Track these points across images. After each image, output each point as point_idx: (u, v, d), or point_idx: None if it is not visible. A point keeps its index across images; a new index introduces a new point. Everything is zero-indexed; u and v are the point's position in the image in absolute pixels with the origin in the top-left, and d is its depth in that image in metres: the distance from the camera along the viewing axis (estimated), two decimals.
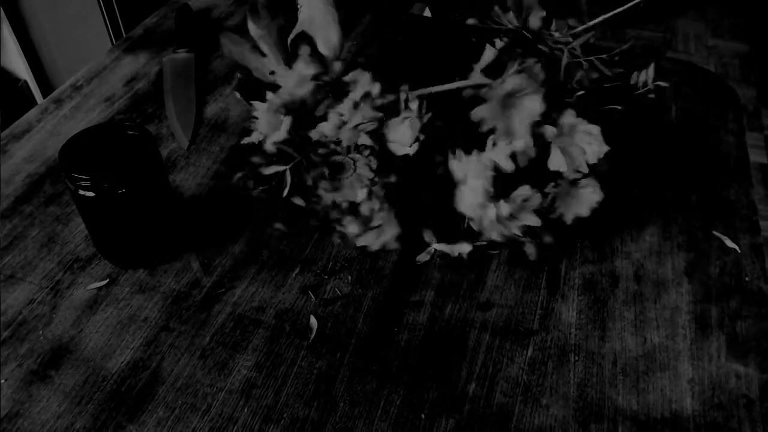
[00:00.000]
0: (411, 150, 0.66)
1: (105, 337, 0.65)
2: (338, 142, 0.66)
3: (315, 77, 0.67)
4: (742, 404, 0.61)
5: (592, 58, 0.69)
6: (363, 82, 0.66)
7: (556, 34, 0.71)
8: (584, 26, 0.70)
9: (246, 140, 0.67)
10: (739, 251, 0.74)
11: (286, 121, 0.65)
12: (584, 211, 0.65)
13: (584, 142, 0.64)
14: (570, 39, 0.70)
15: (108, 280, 0.70)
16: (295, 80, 0.66)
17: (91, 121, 0.90)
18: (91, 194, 0.63)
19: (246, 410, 0.59)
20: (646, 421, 0.59)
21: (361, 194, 0.67)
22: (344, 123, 0.65)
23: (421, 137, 0.66)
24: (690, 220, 0.78)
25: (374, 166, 0.66)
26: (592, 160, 0.68)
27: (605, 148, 0.67)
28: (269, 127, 0.66)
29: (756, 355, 0.64)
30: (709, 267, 0.73)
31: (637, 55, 0.75)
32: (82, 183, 0.62)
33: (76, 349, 0.64)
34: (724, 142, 0.89)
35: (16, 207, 0.78)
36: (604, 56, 0.70)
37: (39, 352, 0.64)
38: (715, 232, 0.76)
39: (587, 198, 0.65)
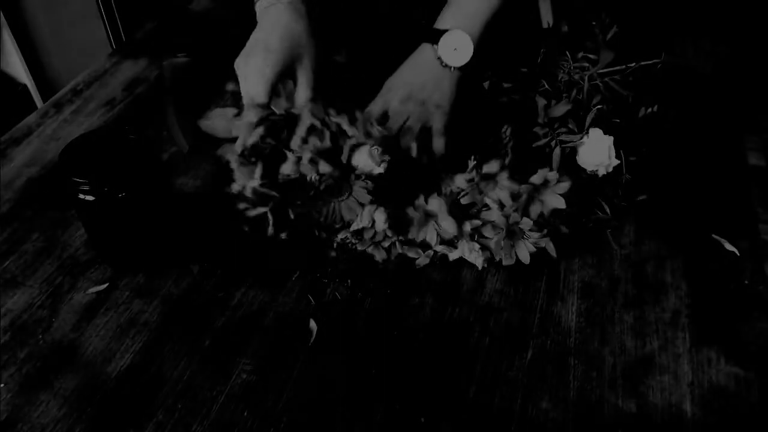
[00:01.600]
0: (381, 170, 0.69)
1: (105, 341, 0.65)
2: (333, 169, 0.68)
3: (260, 122, 0.69)
4: (742, 408, 0.61)
5: (607, 79, 0.75)
6: (305, 117, 0.69)
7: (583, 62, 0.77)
8: (605, 64, 0.75)
9: (230, 190, 0.69)
10: (738, 254, 0.74)
11: (258, 169, 0.68)
12: (560, 204, 0.66)
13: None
14: (586, 64, 0.75)
15: (108, 284, 0.70)
16: (245, 130, 0.68)
17: (91, 125, 0.91)
18: (91, 198, 0.63)
19: (246, 414, 0.59)
20: (646, 424, 0.59)
21: (363, 217, 0.68)
22: (299, 158, 0.68)
23: (386, 158, 0.69)
24: (689, 223, 0.78)
25: (371, 189, 0.67)
26: (603, 173, 0.70)
27: (615, 162, 0.70)
28: (243, 176, 0.69)
29: (756, 358, 0.64)
30: (708, 270, 0.73)
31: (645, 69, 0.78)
32: (82, 187, 0.62)
33: (76, 354, 0.64)
34: (722, 145, 0.89)
35: (16, 211, 0.78)
36: (617, 77, 0.75)
37: (38, 357, 0.64)
38: (714, 236, 0.76)
39: (559, 190, 0.66)
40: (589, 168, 0.72)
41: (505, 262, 0.69)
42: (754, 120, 0.94)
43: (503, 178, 0.67)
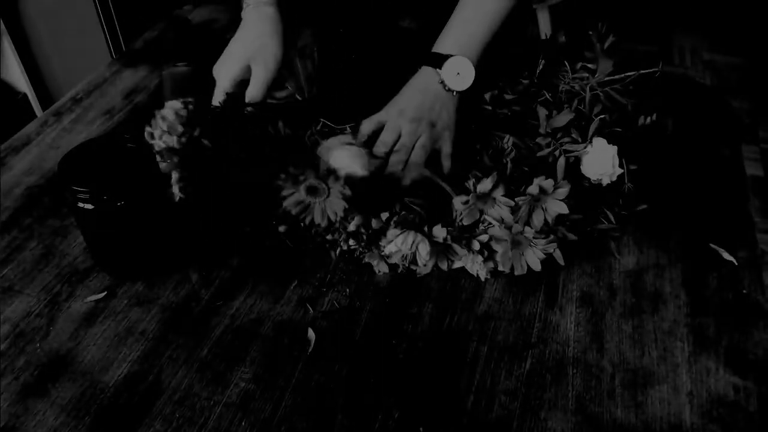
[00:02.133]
0: (365, 173, 0.70)
1: (102, 349, 0.65)
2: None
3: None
4: (741, 417, 0.61)
5: (607, 89, 0.76)
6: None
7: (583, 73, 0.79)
8: (605, 74, 0.76)
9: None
10: (736, 264, 0.74)
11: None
12: (563, 209, 0.66)
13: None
14: (586, 74, 0.76)
15: (106, 292, 0.70)
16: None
17: (90, 133, 0.91)
18: (90, 206, 0.63)
19: (244, 423, 0.59)
20: None
21: (406, 243, 0.68)
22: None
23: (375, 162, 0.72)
24: (687, 233, 0.78)
25: (348, 195, 0.67)
26: (607, 182, 0.70)
27: (619, 171, 0.71)
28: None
29: (754, 368, 0.64)
30: (706, 280, 0.73)
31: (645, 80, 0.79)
32: (82, 195, 0.62)
33: (74, 362, 0.64)
34: (720, 155, 0.89)
35: (15, 219, 0.78)
36: (618, 86, 0.76)
37: (36, 365, 0.63)
38: (712, 245, 0.76)
39: (559, 195, 0.66)
40: (593, 177, 0.72)
41: (517, 272, 0.69)
42: (752, 130, 0.94)
43: (499, 195, 0.67)
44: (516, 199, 0.66)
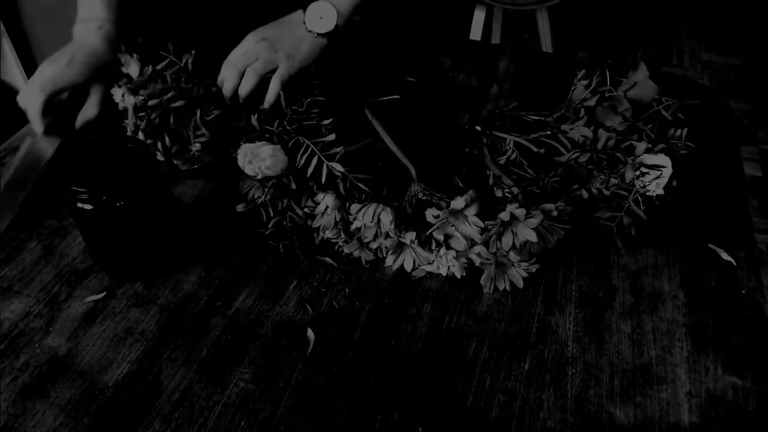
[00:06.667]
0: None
1: (101, 350, 0.65)
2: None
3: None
4: (740, 417, 0.61)
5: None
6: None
7: None
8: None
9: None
10: (734, 264, 0.74)
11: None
12: (532, 236, 0.66)
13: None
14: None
15: (105, 292, 0.70)
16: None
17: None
18: (89, 207, 0.63)
19: (243, 423, 0.59)
20: None
21: (366, 215, 0.68)
22: None
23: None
24: (686, 233, 0.78)
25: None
26: (650, 192, 0.73)
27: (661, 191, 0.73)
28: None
29: (753, 367, 0.65)
30: (705, 279, 0.73)
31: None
32: (81, 195, 0.62)
33: (73, 363, 0.64)
34: (719, 155, 0.89)
35: (14, 219, 0.78)
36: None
37: (35, 365, 0.63)
38: (710, 245, 0.76)
39: (530, 224, 0.66)
40: (645, 181, 0.73)
41: (500, 287, 0.70)
42: (751, 131, 0.94)
43: (471, 213, 0.67)
44: (486, 222, 0.66)
